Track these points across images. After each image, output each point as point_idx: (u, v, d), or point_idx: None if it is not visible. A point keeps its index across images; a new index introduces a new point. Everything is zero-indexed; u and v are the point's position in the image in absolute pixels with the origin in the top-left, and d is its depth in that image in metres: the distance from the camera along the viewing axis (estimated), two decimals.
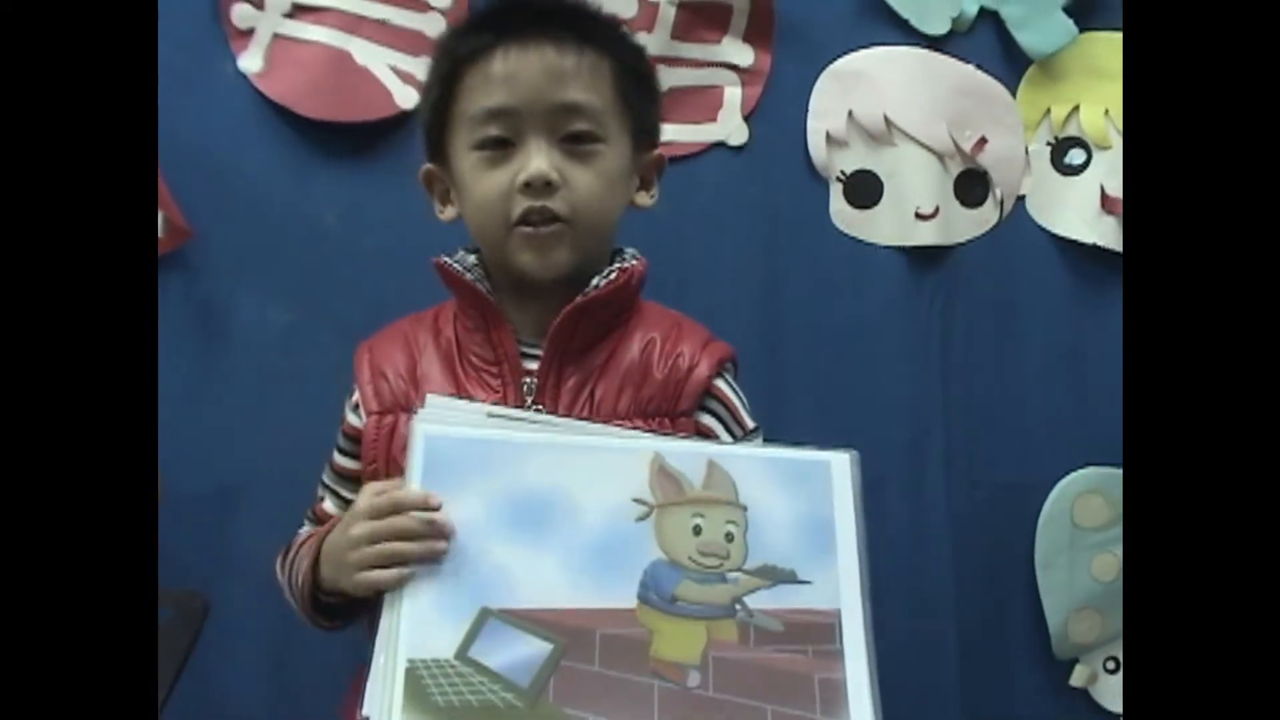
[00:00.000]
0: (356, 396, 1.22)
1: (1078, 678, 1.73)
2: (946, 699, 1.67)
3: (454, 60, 1.17)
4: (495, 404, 1.14)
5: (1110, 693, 1.74)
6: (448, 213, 1.23)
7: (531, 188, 1.12)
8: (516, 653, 0.97)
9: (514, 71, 1.13)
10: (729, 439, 1.17)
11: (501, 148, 1.14)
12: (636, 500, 1.02)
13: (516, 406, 1.14)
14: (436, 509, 1.01)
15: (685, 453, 1.06)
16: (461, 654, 0.97)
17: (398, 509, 1.02)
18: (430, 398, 1.09)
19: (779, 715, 0.96)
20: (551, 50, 1.14)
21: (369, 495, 1.06)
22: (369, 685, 0.97)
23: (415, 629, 0.99)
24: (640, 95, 1.21)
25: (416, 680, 0.96)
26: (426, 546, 1.00)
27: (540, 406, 1.14)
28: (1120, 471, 1.69)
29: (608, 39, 1.19)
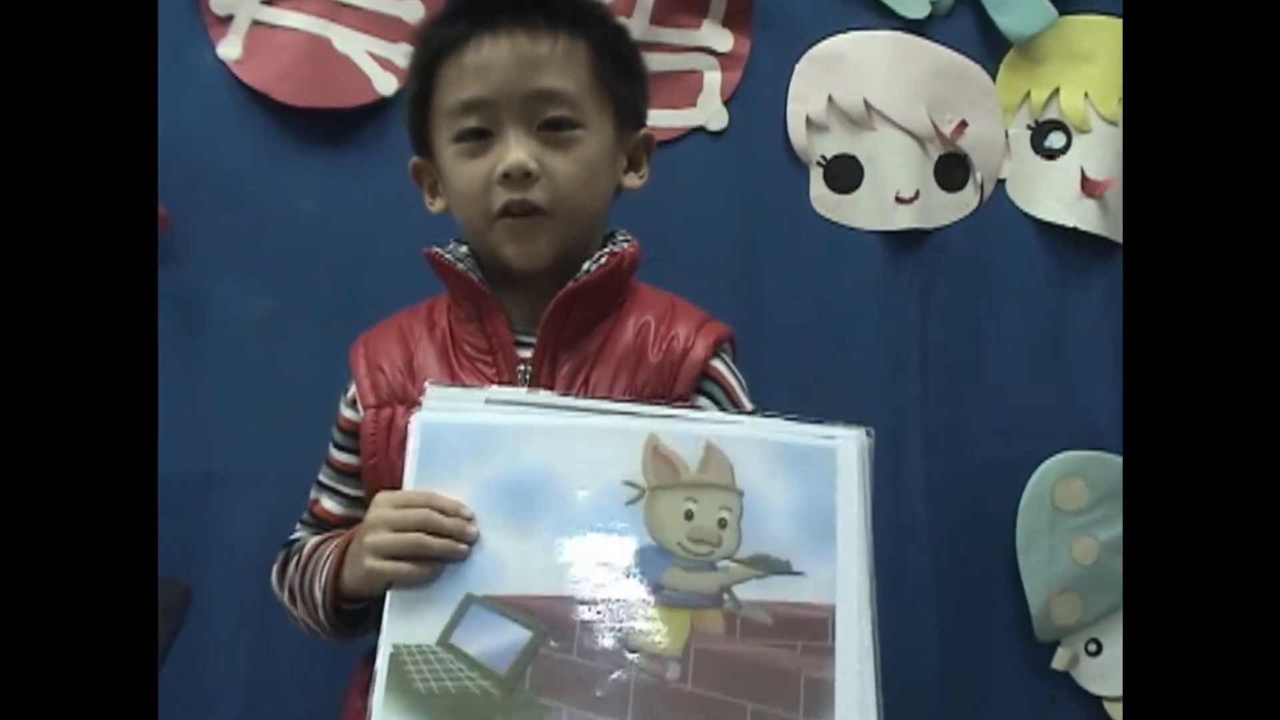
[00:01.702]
0: (353, 391, 1.21)
1: (1059, 660, 1.73)
2: (927, 683, 1.67)
3: (429, 52, 1.17)
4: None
5: (1092, 675, 1.74)
6: (437, 205, 1.23)
7: (510, 179, 1.12)
8: (497, 639, 0.96)
9: (486, 62, 1.13)
10: None
11: (479, 139, 1.14)
12: (628, 483, 1.00)
13: None
14: (469, 519, 1.00)
15: (683, 434, 1.02)
16: (443, 640, 0.96)
17: (429, 503, 1.00)
18: (430, 387, 1.08)
19: (758, 714, 0.93)
20: (524, 37, 1.13)
21: (389, 496, 1.04)
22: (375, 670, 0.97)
23: (402, 614, 0.99)
24: (621, 76, 1.20)
25: (400, 666, 0.96)
26: (451, 545, 0.99)
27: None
28: (1099, 454, 1.71)
29: (583, 20, 1.18)
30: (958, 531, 1.71)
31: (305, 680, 1.49)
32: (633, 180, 1.23)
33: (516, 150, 1.12)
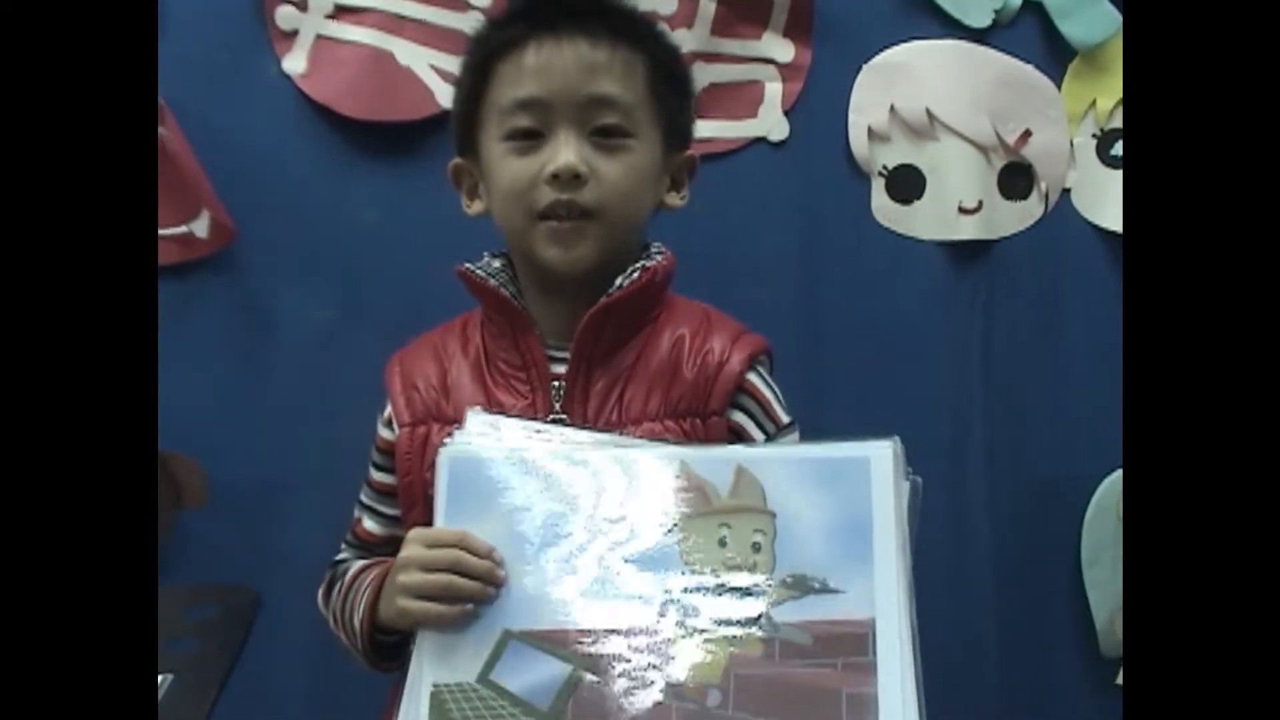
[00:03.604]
0: (389, 410, 1.22)
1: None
2: (988, 699, 1.65)
3: (486, 51, 1.17)
4: (525, 410, 1.14)
5: None
6: (474, 207, 1.23)
7: (559, 179, 1.11)
8: (536, 675, 0.97)
9: (546, 63, 1.13)
10: (760, 436, 1.16)
11: (530, 139, 1.14)
12: (660, 513, 1.01)
13: (546, 411, 1.14)
14: (500, 562, 1.01)
15: (713, 459, 1.03)
16: (483, 677, 0.97)
17: (461, 543, 1.01)
18: (470, 414, 1.08)
19: None
20: (585, 43, 1.14)
21: (421, 534, 1.05)
22: (402, 705, 0.99)
23: (440, 653, 1.00)
24: (673, 94, 1.20)
25: (441, 705, 0.97)
26: (481, 587, 1.00)
27: (566, 417, 1.13)
28: None
29: (642, 36, 1.19)
30: (1021, 545, 1.69)
31: (370, 687, 1.49)
32: (674, 199, 1.23)
33: (566, 151, 1.12)
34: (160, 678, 1.12)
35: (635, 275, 1.15)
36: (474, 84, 1.18)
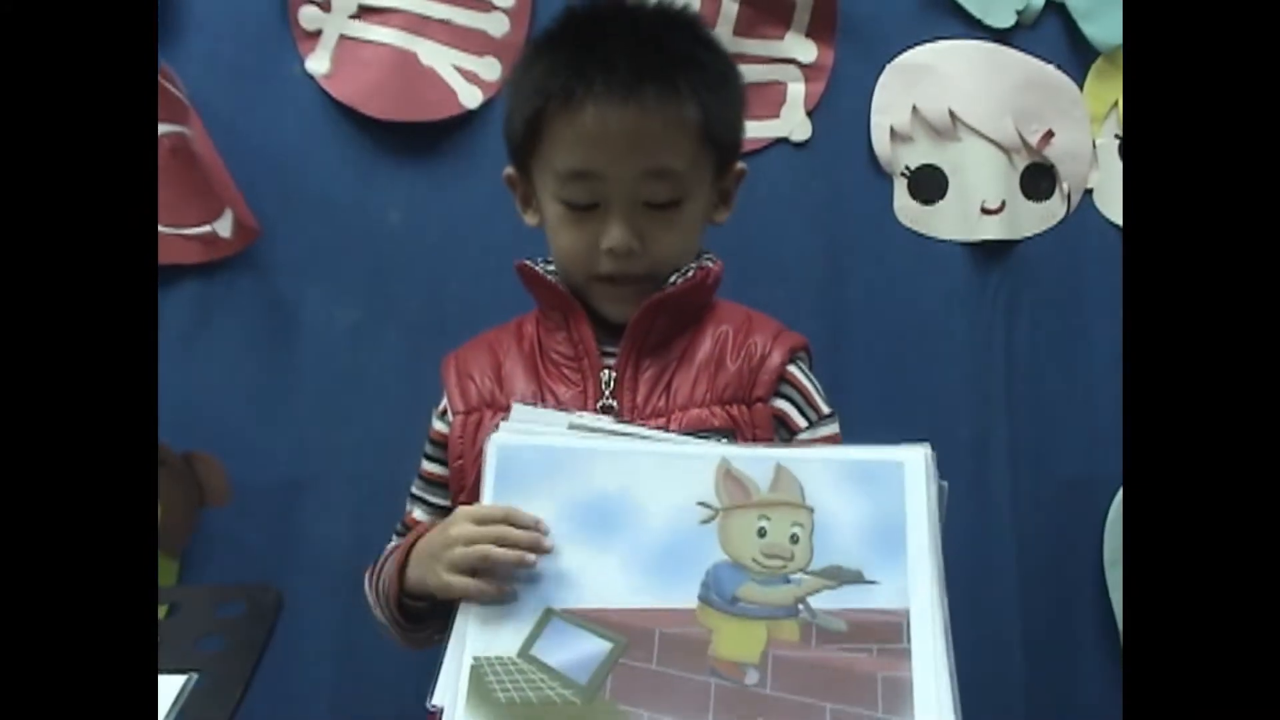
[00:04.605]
0: (444, 403, 1.25)
1: None
2: (1012, 697, 1.65)
3: (540, 98, 1.16)
4: (576, 397, 1.18)
5: None
6: (530, 219, 1.25)
7: (614, 253, 1.16)
8: (576, 651, 0.99)
9: (600, 134, 1.13)
10: (803, 422, 1.19)
11: (586, 209, 1.17)
12: (702, 504, 1.03)
13: (596, 398, 1.18)
14: (545, 533, 1.03)
15: (753, 457, 1.06)
16: (524, 652, 0.99)
17: (507, 518, 1.03)
18: (516, 406, 1.11)
19: (838, 713, 0.94)
20: (635, 108, 1.12)
21: (468, 511, 1.07)
22: (440, 676, 1.00)
23: (482, 627, 1.02)
24: (726, 125, 1.20)
25: (480, 677, 0.98)
26: (519, 555, 1.01)
27: (615, 404, 1.17)
28: None
29: (694, 72, 1.16)
30: (1043, 545, 1.69)
31: (393, 685, 1.50)
32: (721, 214, 1.26)
33: (619, 230, 1.15)
34: (185, 676, 1.12)
35: (690, 273, 1.19)
36: (527, 130, 1.18)
